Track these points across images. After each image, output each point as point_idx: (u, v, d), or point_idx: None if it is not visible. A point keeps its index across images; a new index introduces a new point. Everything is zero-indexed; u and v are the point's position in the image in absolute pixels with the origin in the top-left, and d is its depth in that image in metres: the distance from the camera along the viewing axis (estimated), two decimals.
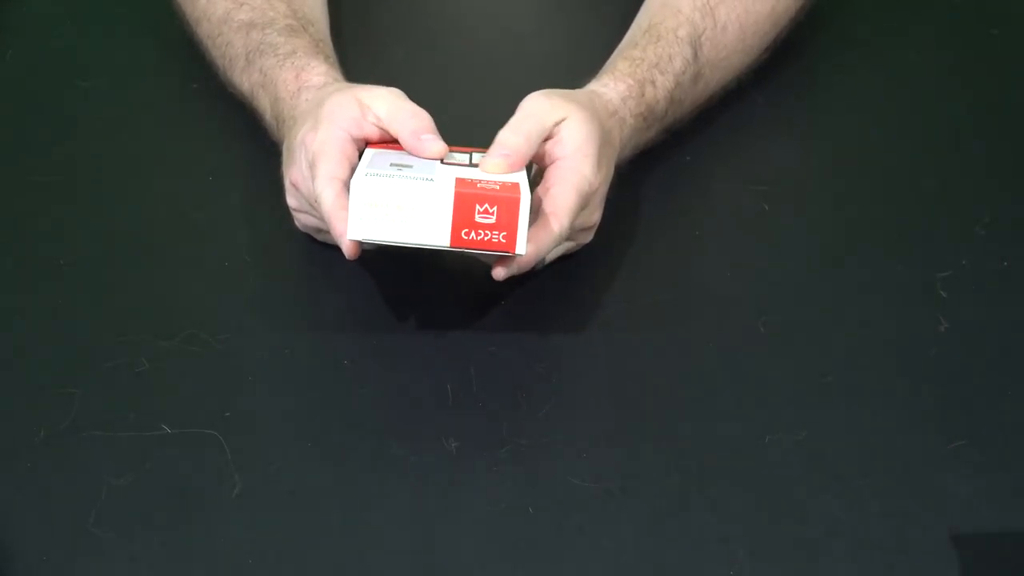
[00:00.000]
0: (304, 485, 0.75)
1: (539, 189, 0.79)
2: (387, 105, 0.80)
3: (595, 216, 0.83)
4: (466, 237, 0.74)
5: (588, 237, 0.84)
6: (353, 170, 0.78)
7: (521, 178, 0.77)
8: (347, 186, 0.76)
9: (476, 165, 0.79)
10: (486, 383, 0.80)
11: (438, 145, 0.79)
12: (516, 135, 0.79)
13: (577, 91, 0.86)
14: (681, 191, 0.93)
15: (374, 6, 1.06)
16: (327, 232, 0.79)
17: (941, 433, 0.78)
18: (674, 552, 0.73)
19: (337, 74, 0.87)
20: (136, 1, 1.06)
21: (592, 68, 0.91)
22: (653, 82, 0.89)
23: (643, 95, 0.88)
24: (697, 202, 0.93)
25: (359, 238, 0.74)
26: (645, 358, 0.82)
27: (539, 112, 0.80)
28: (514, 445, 0.77)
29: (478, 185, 0.75)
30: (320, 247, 0.85)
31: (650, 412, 0.79)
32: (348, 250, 0.76)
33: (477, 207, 0.74)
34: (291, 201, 0.84)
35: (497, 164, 0.77)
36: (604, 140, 0.82)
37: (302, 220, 0.85)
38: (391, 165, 0.77)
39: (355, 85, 0.83)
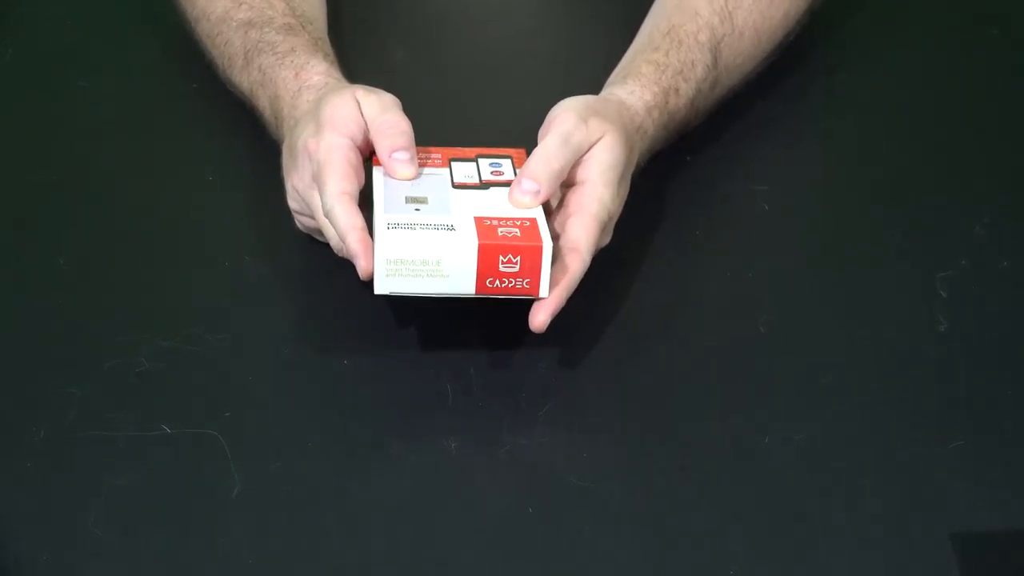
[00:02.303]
0: (304, 485, 0.75)
1: (559, 214, 0.79)
2: (372, 114, 0.79)
3: (607, 239, 0.82)
4: (490, 285, 0.75)
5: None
6: (361, 181, 0.78)
7: (538, 212, 0.77)
8: (355, 199, 0.76)
9: (486, 183, 0.80)
10: (486, 383, 0.80)
11: (407, 169, 0.79)
12: (549, 168, 0.78)
13: (607, 102, 0.85)
14: (681, 191, 0.92)
15: (374, 6, 1.06)
16: (325, 235, 0.80)
17: (941, 433, 0.78)
18: (674, 552, 0.73)
19: (337, 73, 0.87)
20: (136, 1, 1.06)
21: (592, 67, 0.91)
22: (677, 90, 0.88)
23: (667, 104, 0.88)
24: (697, 202, 0.93)
25: (386, 292, 0.75)
26: (645, 358, 0.82)
27: (576, 141, 0.79)
28: (514, 445, 0.77)
29: (499, 232, 0.75)
30: (320, 247, 0.85)
31: (650, 412, 0.79)
32: (363, 273, 0.75)
33: (501, 258, 0.74)
34: (292, 204, 0.84)
35: (525, 202, 0.77)
36: (628, 162, 0.82)
37: (303, 222, 0.85)
38: (406, 201, 0.77)
39: (354, 86, 0.83)
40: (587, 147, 0.80)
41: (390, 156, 0.79)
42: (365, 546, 0.73)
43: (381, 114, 0.79)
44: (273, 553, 0.72)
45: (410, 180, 0.79)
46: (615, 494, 0.75)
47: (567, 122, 0.80)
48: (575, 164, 0.80)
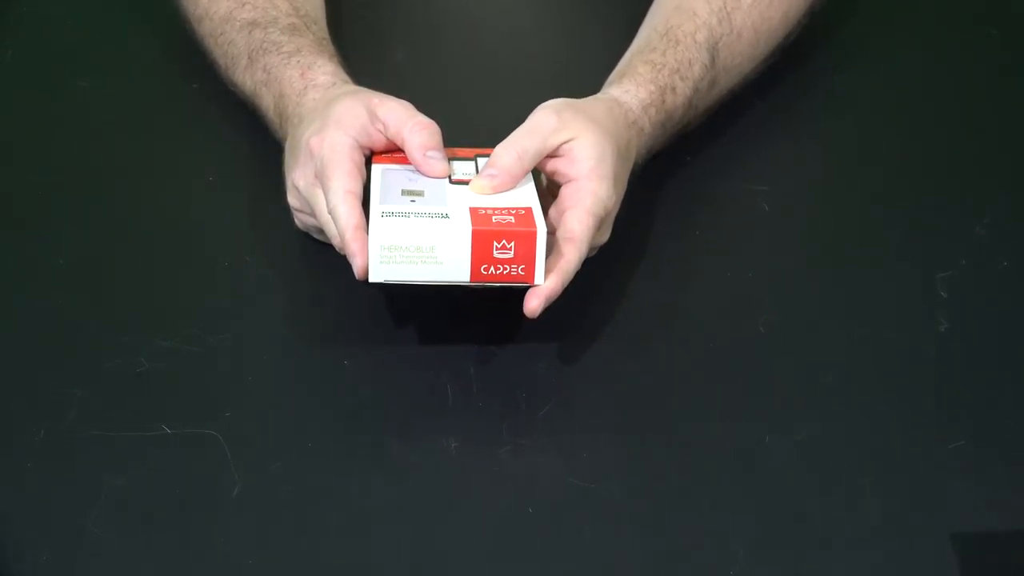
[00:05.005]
0: (304, 485, 0.75)
1: (553, 211, 0.80)
2: (396, 116, 0.80)
3: (605, 236, 0.83)
4: (485, 272, 0.75)
5: (593, 253, 0.84)
6: (363, 181, 0.78)
7: (533, 202, 0.78)
8: (359, 198, 0.77)
9: None
10: (486, 383, 0.80)
11: (442, 165, 0.80)
12: (509, 154, 0.79)
13: (596, 100, 0.85)
14: (681, 191, 0.92)
15: (374, 6, 1.06)
16: (326, 233, 0.80)
17: (941, 433, 0.78)
18: (674, 552, 0.73)
19: (343, 73, 0.87)
20: (136, 1, 1.06)
21: (592, 67, 0.91)
22: (674, 88, 0.88)
23: (664, 102, 0.88)
24: (697, 202, 0.93)
25: (380, 280, 0.75)
26: (645, 358, 0.82)
27: (542, 130, 0.79)
28: (514, 445, 0.77)
29: (493, 219, 0.75)
30: (320, 247, 0.85)
31: (650, 412, 0.79)
32: (359, 272, 0.76)
33: (495, 243, 0.74)
34: (292, 201, 0.84)
35: (482, 187, 0.78)
36: (620, 157, 0.82)
37: (302, 220, 0.85)
38: (403, 193, 0.77)
39: (366, 90, 0.83)
40: (557, 141, 0.80)
41: (424, 154, 0.79)
42: (365, 546, 0.73)
43: (412, 116, 0.80)
44: (273, 553, 0.72)
45: (440, 177, 0.80)
46: (615, 494, 0.75)
47: (536, 114, 0.81)
48: (564, 162, 0.80)
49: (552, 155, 0.80)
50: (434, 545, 0.73)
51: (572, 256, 0.77)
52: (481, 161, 0.81)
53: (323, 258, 0.84)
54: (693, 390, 0.81)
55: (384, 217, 0.75)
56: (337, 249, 0.78)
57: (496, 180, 0.78)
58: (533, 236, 0.75)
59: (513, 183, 0.79)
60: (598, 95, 0.87)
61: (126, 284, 0.86)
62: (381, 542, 0.73)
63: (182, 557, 0.72)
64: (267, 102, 0.89)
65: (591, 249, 0.80)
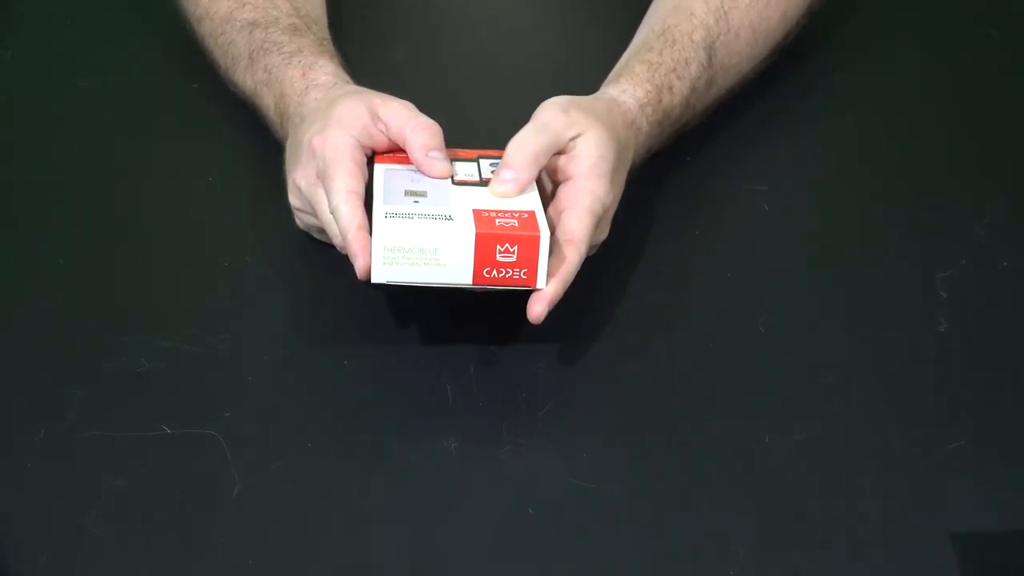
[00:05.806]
0: (304, 485, 0.75)
1: (551, 210, 0.80)
2: (398, 116, 0.80)
3: (603, 235, 0.83)
4: (488, 275, 0.75)
5: (593, 251, 0.84)
6: (365, 181, 0.78)
7: (536, 206, 0.78)
8: (361, 198, 0.77)
9: (487, 180, 0.80)
10: (486, 383, 0.80)
11: (444, 166, 0.80)
12: (524, 153, 0.78)
13: (596, 99, 0.85)
14: (681, 191, 0.93)
15: (374, 6, 1.06)
16: (327, 233, 0.80)
17: (941, 433, 0.78)
18: (674, 552, 0.73)
19: (344, 74, 0.87)
20: (136, 1, 1.06)
21: (592, 67, 0.91)
22: (671, 88, 0.88)
23: (660, 102, 0.88)
24: (697, 202, 0.93)
25: (383, 281, 0.75)
26: (645, 358, 0.82)
27: (554, 128, 0.79)
28: (514, 445, 0.77)
29: (497, 223, 0.75)
30: (320, 247, 0.85)
31: (650, 412, 0.79)
32: (361, 272, 0.76)
33: (498, 247, 0.74)
34: (293, 200, 0.84)
35: (504, 191, 0.78)
36: (619, 156, 0.82)
37: (303, 219, 0.85)
38: (406, 194, 0.77)
39: (367, 91, 0.83)
40: (567, 137, 0.80)
41: (427, 155, 0.79)
42: (365, 546, 0.73)
43: (414, 116, 0.80)
44: (273, 553, 0.72)
45: (442, 177, 0.80)
46: (615, 494, 0.75)
47: (545, 112, 0.80)
48: (564, 160, 0.80)
49: (557, 152, 0.80)
50: (434, 545, 0.73)
51: (573, 258, 0.77)
52: (484, 163, 0.81)
53: (323, 258, 0.84)
54: (693, 390, 0.81)
55: (388, 218, 0.75)
56: (338, 249, 0.78)
57: (518, 184, 0.78)
58: (536, 240, 0.75)
59: (528, 184, 0.79)
60: (596, 95, 0.87)
61: (126, 284, 0.86)
62: (381, 542, 0.73)
63: (182, 557, 0.72)
64: (268, 102, 0.89)
65: (590, 248, 0.81)
